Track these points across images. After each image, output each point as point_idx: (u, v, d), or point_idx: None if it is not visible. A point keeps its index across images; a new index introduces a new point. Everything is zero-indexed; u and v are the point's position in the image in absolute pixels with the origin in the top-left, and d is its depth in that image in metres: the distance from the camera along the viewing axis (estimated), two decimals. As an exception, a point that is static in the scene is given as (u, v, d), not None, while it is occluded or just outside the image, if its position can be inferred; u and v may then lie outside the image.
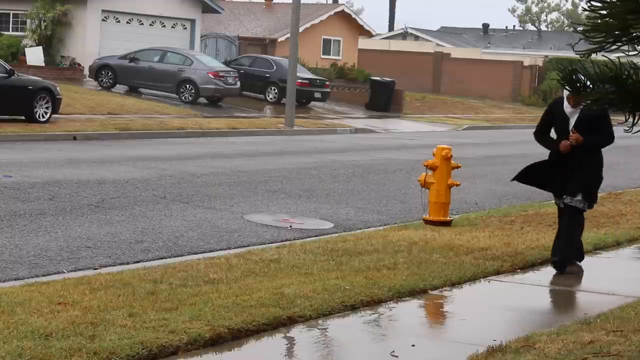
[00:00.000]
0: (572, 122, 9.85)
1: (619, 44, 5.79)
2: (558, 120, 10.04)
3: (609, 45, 5.74)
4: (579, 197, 9.90)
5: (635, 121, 5.98)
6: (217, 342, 6.92)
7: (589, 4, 5.73)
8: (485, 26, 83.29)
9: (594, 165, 9.98)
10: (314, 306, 7.83)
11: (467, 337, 7.41)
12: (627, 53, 5.89)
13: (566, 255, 10.04)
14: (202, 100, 35.81)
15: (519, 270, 10.11)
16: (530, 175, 10.32)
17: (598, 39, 5.74)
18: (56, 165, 17.37)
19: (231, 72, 36.42)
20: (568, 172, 9.96)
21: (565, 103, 9.90)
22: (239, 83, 36.51)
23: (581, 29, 5.87)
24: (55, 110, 25.21)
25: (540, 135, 10.32)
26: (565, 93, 9.79)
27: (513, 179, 10.42)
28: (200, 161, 19.73)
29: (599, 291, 9.32)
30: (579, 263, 10.25)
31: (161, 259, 10.06)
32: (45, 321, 6.87)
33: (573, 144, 9.76)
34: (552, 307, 8.50)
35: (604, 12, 5.72)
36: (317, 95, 40.03)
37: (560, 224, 10.26)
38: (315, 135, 30.92)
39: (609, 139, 9.94)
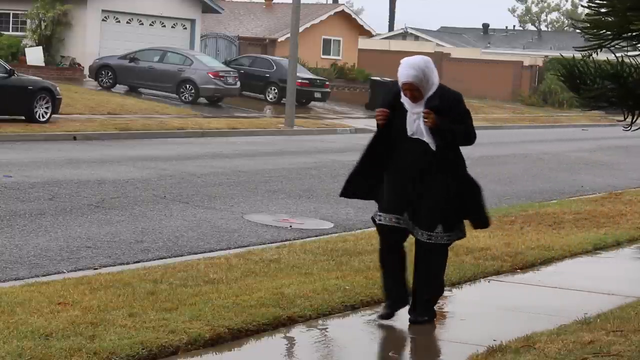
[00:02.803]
0: (412, 121, 7.40)
1: (619, 41, 5.79)
2: (397, 116, 7.49)
3: (608, 42, 5.74)
4: (439, 229, 7.45)
5: (635, 119, 5.98)
6: (217, 342, 6.92)
7: (589, 2, 5.73)
8: (485, 26, 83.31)
9: (455, 174, 7.50)
10: (314, 306, 7.83)
11: (467, 337, 7.41)
12: (627, 52, 5.89)
13: (431, 313, 7.75)
14: (202, 100, 35.81)
15: (519, 270, 10.11)
16: (354, 187, 7.79)
17: (598, 37, 5.74)
18: (56, 165, 17.37)
19: (231, 72, 36.42)
20: (416, 180, 7.46)
21: (403, 95, 7.46)
22: (239, 83, 36.51)
23: (581, 26, 5.87)
24: (55, 110, 25.20)
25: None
26: (400, 81, 7.36)
27: (341, 195, 7.94)
28: (200, 161, 19.72)
29: (599, 291, 9.32)
30: (393, 312, 7.78)
31: (161, 259, 10.06)
32: (45, 321, 6.87)
33: (430, 126, 7.30)
34: (552, 307, 8.49)
35: (604, 9, 5.72)
36: (317, 95, 40.03)
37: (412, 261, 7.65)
38: (315, 135, 30.91)
39: (471, 136, 7.57)
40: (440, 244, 7.51)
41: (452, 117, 7.43)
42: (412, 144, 7.45)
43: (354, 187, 7.74)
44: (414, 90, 7.36)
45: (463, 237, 7.72)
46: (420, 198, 7.44)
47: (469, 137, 7.60)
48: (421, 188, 7.44)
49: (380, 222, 7.62)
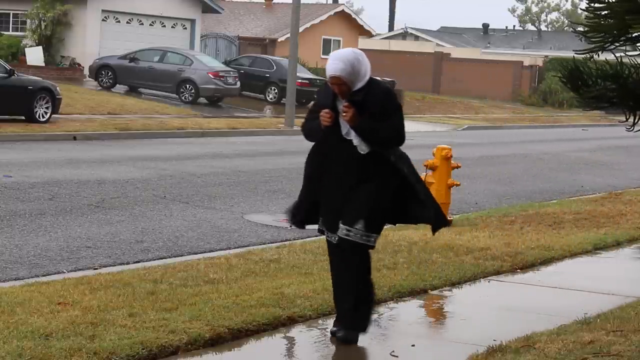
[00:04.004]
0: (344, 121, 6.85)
1: (619, 43, 5.80)
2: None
3: (608, 45, 5.75)
4: (360, 226, 6.80)
5: (636, 120, 5.98)
6: (217, 342, 6.92)
7: (588, 5, 5.73)
8: (485, 26, 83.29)
9: (383, 175, 6.88)
10: (314, 306, 7.83)
11: (467, 337, 7.41)
12: (627, 52, 5.90)
13: (359, 326, 7.06)
14: (202, 100, 35.81)
15: (519, 270, 10.11)
16: (301, 213, 7.16)
17: (598, 39, 5.75)
18: (56, 165, 17.37)
19: (231, 72, 36.43)
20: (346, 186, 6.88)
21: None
22: (239, 83, 36.52)
23: (581, 29, 5.88)
24: (55, 110, 25.21)
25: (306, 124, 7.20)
26: (327, 74, 6.84)
27: (291, 225, 7.49)
28: (200, 161, 19.72)
29: (599, 291, 9.32)
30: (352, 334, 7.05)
31: (161, 259, 10.06)
32: (45, 321, 6.86)
33: (349, 123, 6.75)
34: (552, 307, 8.49)
35: (603, 12, 5.73)
36: (317, 95, 40.01)
37: (334, 270, 7.12)
38: (315, 135, 30.88)
39: (398, 135, 6.82)
40: (358, 243, 6.78)
41: (379, 113, 6.75)
42: (346, 146, 6.86)
43: (307, 214, 7.11)
44: (342, 84, 6.76)
45: (373, 248, 6.92)
46: (348, 200, 6.81)
47: (395, 137, 6.82)
48: (350, 195, 6.81)
49: (328, 238, 7.02)
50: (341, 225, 6.79)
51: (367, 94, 6.76)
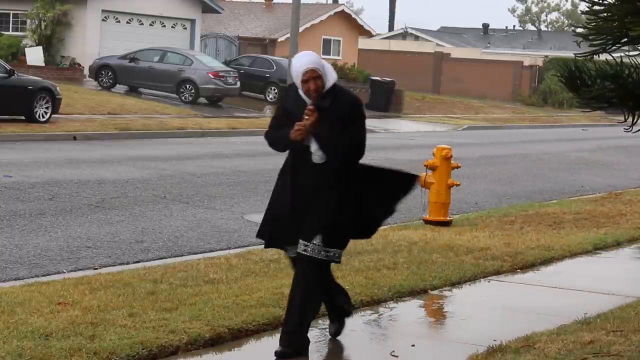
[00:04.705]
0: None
1: (619, 45, 5.80)
2: (293, 119, 6.54)
3: (609, 47, 5.75)
4: (318, 241, 6.46)
5: (635, 120, 5.98)
6: (217, 342, 6.92)
7: (588, 7, 5.73)
8: (485, 26, 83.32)
9: (344, 186, 6.56)
10: (314, 306, 7.82)
11: (467, 337, 7.41)
12: (627, 53, 5.90)
13: (300, 342, 6.68)
14: (202, 100, 35.80)
15: (519, 270, 10.11)
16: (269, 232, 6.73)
17: (598, 41, 5.75)
18: (56, 165, 17.37)
19: (231, 72, 36.42)
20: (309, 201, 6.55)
21: (301, 93, 6.55)
22: (239, 83, 36.51)
23: (581, 30, 5.88)
24: (55, 110, 25.21)
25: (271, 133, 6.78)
26: (296, 79, 6.50)
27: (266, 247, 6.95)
28: (200, 161, 19.72)
29: (599, 291, 9.32)
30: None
31: (161, 259, 10.06)
32: (45, 321, 6.87)
33: (308, 127, 6.41)
34: (552, 307, 8.49)
35: (603, 14, 5.73)
36: (317, 95, 40.00)
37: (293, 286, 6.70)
38: (315, 135, 30.87)
39: (358, 148, 6.57)
40: (315, 258, 6.42)
41: (344, 122, 6.47)
42: (306, 154, 6.51)
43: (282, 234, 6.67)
44: (317, 78, 6.42)
45: (338, 262, 6.64)
46: (306, 214, 6.48)
47: (355, 150, 6.53)
48: (310, 207, 6.49)
49: (289, 254, 6.73)
50: (300, 241, 6.46)
51: (335, 101, 6.48)
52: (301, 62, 6.48)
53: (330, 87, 6.51)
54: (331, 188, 6.48)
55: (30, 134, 22.91)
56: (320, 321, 7.66)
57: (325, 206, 6.46)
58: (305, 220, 6.47)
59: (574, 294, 9.21)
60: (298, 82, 6.49)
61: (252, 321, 7.27)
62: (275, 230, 6.63)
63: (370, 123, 36.31)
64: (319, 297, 6.71)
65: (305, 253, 6.44)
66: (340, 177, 6.52)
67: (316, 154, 6.48)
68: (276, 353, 6.63)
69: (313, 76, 6.43)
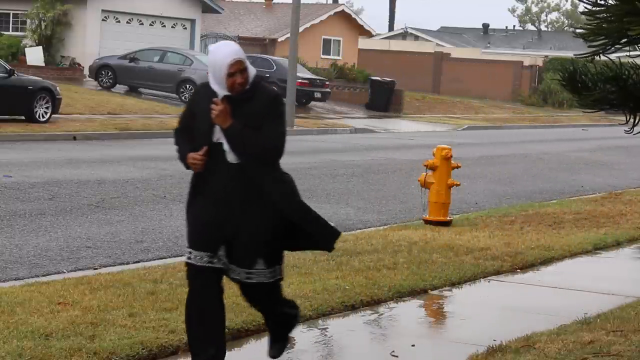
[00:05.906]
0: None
1: (619, 46, 5.80)
2: (201, 119, 5.87)
3: (609, 48, 5.75)
4: (260, 265, 5.84)
5: (636, 122, 5.99)
6: (217, 342, 6.91)
7: (587, 8, 5.73)
8: (485, 26, 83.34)
9: (282, 192, 5.90)
10: (314, 306, 7.83)
11: (467, 337, 7.41)
12: (629, 54, 5.90)
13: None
14: (202, 100, 35.77)
15: (519, 270, 10.11)
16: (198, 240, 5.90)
17: (598, 42, 5.75)
18: (56, 165, 17.37)
19: (231, 72, 36.40)
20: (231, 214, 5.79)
21: (217, 88, 5.87)
22: (238, 83, 36.49)
23: (580, 31, 5.87)
24: (55, 110, 25.21)
25: (180, 135, 6.11)
26: (217, 73, 5.86)
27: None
28: (200, 161, 19.70)
29: (599, 291, 9.32)
30: None
31: (161, 259, 10.06)
32: (45, 321, 6.87)
33: (215, 121, 5.74)
34: (552, 307, 8.49)
35: (602, 15, 5.73)
36: (317, 95, 40.04)
37: (197, 299, 5.93)
38: (315, 135, 30.90)
39: (274, 148, 5.76)
40: (262, 282, 5.86)
41: (261, 118, 5.73)
42: (221, 154, 5.77)
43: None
44: (244, 71, 5.73)
45: (281, 279, 6.04)
46: (237, 229, 5.77)
47: (270, 150, 5.74)
48: (238, 218, 5.76)
49: (189, 261, 5.88)
50: (239, 269, 5.82)
51: (255, 96, 5.77)
52: (224, 53, 5.79)
53: (251, 81, 5.81)
54: (258, 197, 5.75)
55: (30, 134, 22.91)
56: (320, 321, 7.67)
57: (259, 222, 5.75)
58: (238, 243, 5.77)
59: (574, 294, 9.21)
60: (220, 76, 5.78)
61: (252, 321, 7.27)
62: (199, 235, 5.85)
63: (370, 123, 36.47)
64: (284, 301, 6.24)
65: (251, 281, 5.85)
66: (264, 178, 5.77)
67: (231, 152, 5.77)
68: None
69: (240, 69, 5.73)
